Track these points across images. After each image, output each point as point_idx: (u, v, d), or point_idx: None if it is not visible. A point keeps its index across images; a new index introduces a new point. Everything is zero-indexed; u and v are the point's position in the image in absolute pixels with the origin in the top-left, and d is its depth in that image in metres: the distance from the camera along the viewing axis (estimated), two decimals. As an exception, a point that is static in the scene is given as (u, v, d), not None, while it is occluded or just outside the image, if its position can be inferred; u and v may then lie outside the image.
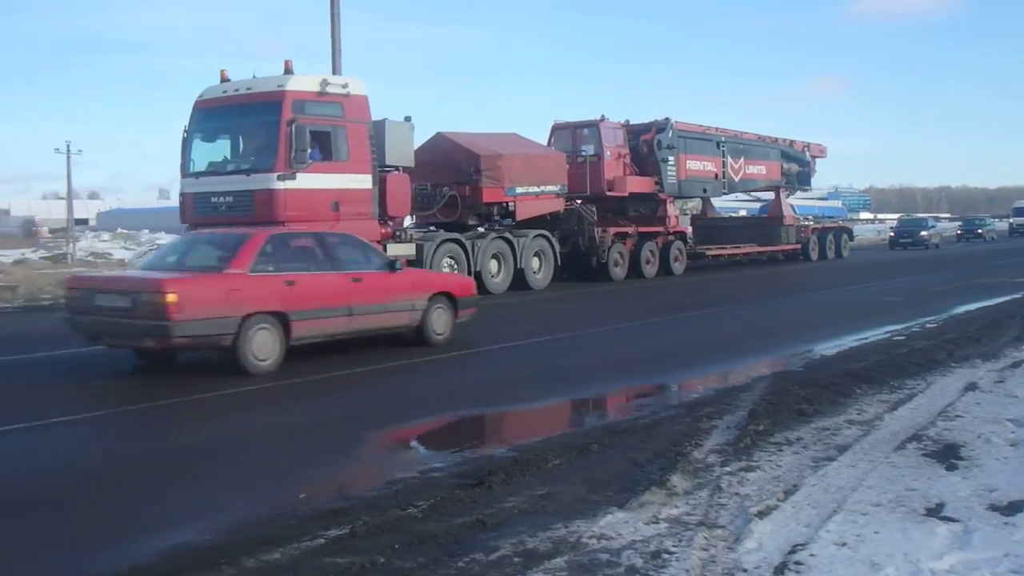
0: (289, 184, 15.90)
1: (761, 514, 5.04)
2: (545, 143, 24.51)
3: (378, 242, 17.47)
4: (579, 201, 24.04)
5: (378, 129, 17.78)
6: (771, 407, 7.70)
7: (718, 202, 33.04)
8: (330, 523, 5.10)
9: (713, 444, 6.63)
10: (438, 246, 18.87)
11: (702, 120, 28.61)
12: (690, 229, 28.33)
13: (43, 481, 6.29)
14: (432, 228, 20.65)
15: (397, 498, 5.56)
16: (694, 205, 28.78)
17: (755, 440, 6.67)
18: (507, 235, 20.77)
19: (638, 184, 25.35)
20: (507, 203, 21.05)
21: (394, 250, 17.81)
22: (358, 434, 7.68)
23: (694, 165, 27.17)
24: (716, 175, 28.19)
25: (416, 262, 18.44)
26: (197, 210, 16.86)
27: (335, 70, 25.13)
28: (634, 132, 26.16)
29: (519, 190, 21.15)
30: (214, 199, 16.54)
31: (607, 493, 5.56)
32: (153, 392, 9.32)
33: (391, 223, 18.43)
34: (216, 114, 16.88)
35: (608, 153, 24.54)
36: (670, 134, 26.03)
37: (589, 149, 24.72)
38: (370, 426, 7.95)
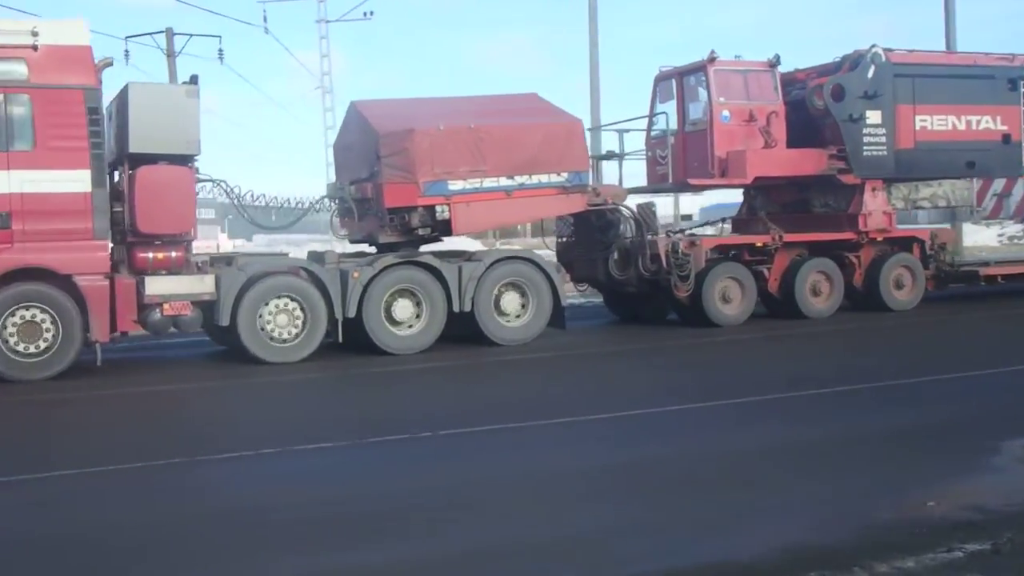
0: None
1: None
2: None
3: (110, 275, 11.84)
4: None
5: (118, 100, 12.07)
6: None
7: None
8: (967, 536, 4.99)
9: None
10: (254, 280, 12.44)
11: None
12: (930, 234, 17.23)
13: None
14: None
15: (1043, 517, 5.16)
16: (941, 192, 17.24)
17: None
18: (427, 260, 13.38)
19: (783, 162, 15.68)
20: (431, 207, 13.57)
21: (155, 287, 12.03)
22: (976, 442, 7.27)
23: (936, 123, 16.26)
24: (1006, 135, 16.75)
25: (216, 303, 12.34)
26: None
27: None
28: (802, 79, 16.44)
29: (456, 185, 13.56)
30: None
31: None
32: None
33: (170, 243, 12.44)
34: None
35: (724, 114, 15.41)
36: (869, 73, 15.74)
37: (698, 110, 15.85)
38: (988, 434, 7.52)
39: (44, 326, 11.48)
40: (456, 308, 13.34)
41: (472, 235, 15.12)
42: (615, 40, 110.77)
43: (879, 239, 16.22)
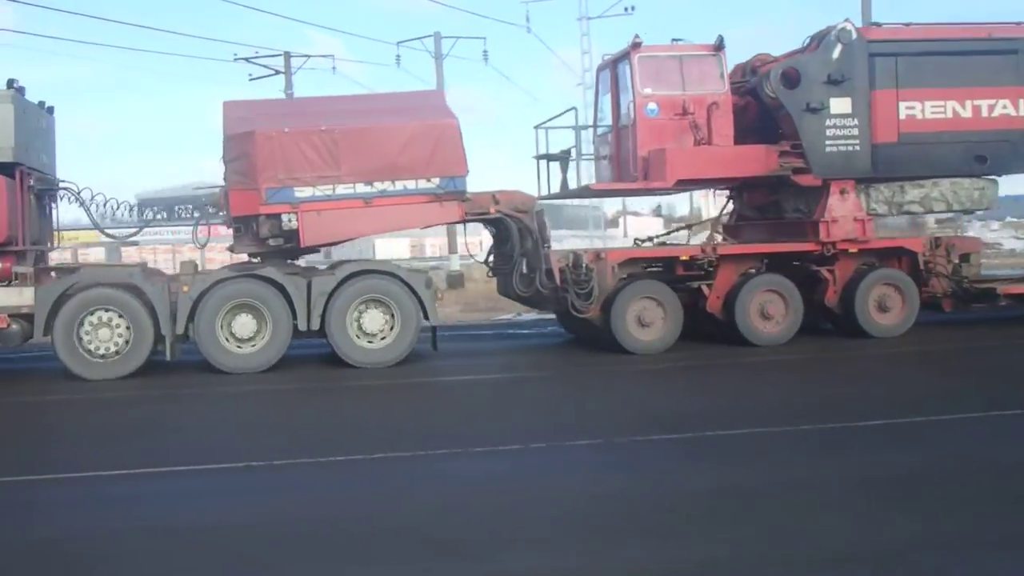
0: None
1: None
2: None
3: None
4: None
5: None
6: None
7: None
8: None
9: None
10: (68, 295, 11.99)
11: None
12: (929, 243, 14.33)
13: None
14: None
15: None
16: (937, 193, 13.99)
17: None
18: (267, 273, 12.42)
19: (718, 161, 13.51)
20: (277, 216, 12.57)
21: None
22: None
23: (930, 110, 13.44)
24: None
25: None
26: None
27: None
28: (759, 65, 14.17)
29: (304, 192, 12.49)
30: None
31: None
32: None
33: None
34: None
35: (649, 107, 13.48)
36: (835, 53, 13.26)
37: (627, 103, 13.98)
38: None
39: None
40: (302, 326, 12.32)
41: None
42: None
43: (852, 250, 13.64)
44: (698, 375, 12.11)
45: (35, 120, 12.97)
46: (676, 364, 12.58)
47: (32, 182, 12.61)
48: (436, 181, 12.75)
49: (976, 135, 13.58)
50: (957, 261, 14.38)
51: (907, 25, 13.86)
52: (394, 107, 13.58)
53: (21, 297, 12.03)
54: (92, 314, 12.04)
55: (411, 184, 12.72)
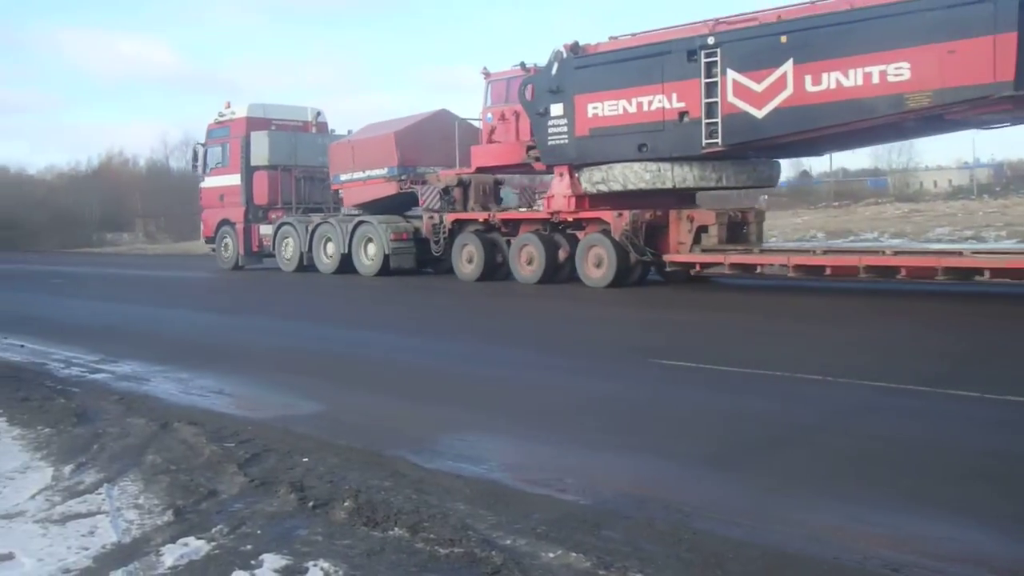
0: (203, 185, 28.36)
1: None
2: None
3: (247, 223, 26.97)
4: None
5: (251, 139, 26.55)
6: None
7: None
8: None
9: None
10: (279, 228, 25.58)
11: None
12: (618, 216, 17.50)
13: None
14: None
15: None
16: (613, 175, 15.06)
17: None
18: (331, 220, 23.94)
19: (496, 154, 19.80)
20: (338, 190, 23.98)
21: (261, 230, 26.86)
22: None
23: (607, 109, 17.17)
24: (682, 113, 16.42)
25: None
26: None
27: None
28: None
29: (343, 177, 23.55)
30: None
31: None
32: None
33: (263, 210, 26.43)
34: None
35: (488, 116, 20.61)
36: (553, 70, 18.33)
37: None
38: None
39: (229, 245, 27.11)
40: (342, 251, 23.48)
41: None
42: None
43: (569, 219, 18.49)
44: (438, 295, 19.39)
45: (310, 140, 26.39)
46: (471, 289, 19.85)
47: (297, 174, 26.20)
48: (385, 170, 22.37)
49: (638, 127, 17.03)
50: (692, 231, 17.47)
51: (613, 39, 17.78)
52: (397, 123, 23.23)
53: (269, 231, 25.89)
54: (285, 238, 25.27)
55: (377, 172, 22.60)
